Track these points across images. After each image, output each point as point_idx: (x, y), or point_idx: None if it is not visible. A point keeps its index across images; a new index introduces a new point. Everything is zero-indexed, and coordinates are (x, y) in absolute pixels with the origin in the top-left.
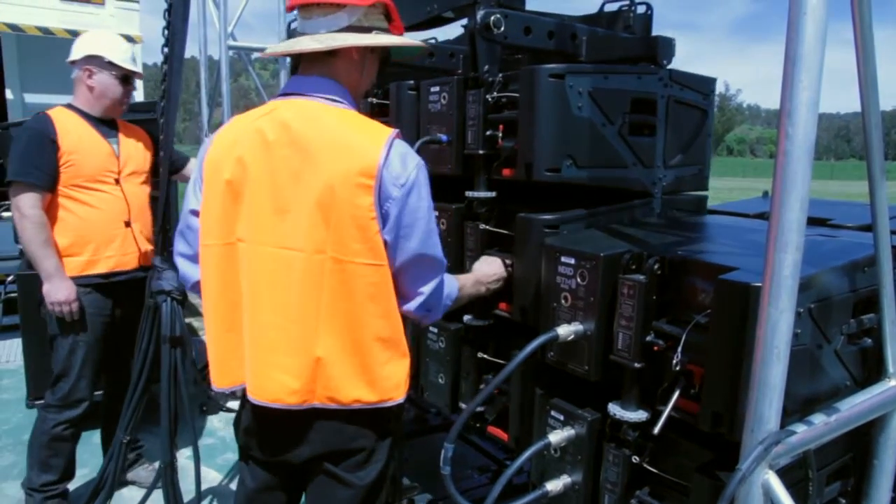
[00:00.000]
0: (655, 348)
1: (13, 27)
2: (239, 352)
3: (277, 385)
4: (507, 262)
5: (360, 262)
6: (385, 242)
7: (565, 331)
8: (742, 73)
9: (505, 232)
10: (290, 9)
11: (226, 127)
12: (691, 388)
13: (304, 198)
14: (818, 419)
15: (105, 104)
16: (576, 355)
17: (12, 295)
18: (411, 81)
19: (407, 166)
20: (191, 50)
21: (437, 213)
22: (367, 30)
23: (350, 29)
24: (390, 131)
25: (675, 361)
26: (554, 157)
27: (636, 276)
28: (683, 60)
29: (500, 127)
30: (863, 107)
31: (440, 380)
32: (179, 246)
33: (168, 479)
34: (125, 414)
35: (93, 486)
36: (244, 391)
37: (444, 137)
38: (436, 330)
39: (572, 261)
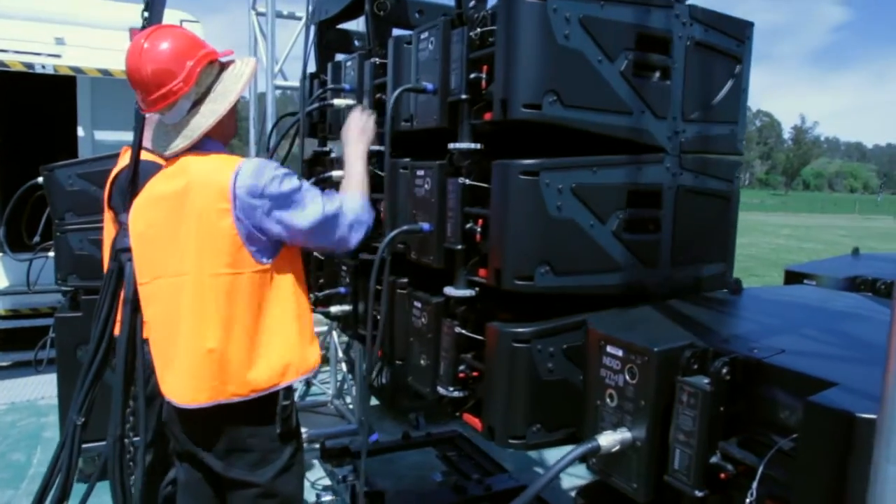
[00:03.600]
0: (723, 475)
1: (76, 70)
2: None
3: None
4: None
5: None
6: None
7: (609, 441)
8: (819, 104)
9: (487, 186)
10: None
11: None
12: None
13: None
14: None
15: None
16: (622, 468)
17: None
18: (409, 33)
19: (263, 175)
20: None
21: (421, 172)
22: (207, 92)
23: (194, 105)
24: (240, 160)
25: (748, 501)
26: (533, 91)
27: (699, 380)
28: (759, 91)
29: (485, 68)
30: None
31: (422, 361)
32: None
33: (117, 453)
34: (78, 392)
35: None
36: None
37: (429, 86)
38: (419, 304)
39: (620, 353)
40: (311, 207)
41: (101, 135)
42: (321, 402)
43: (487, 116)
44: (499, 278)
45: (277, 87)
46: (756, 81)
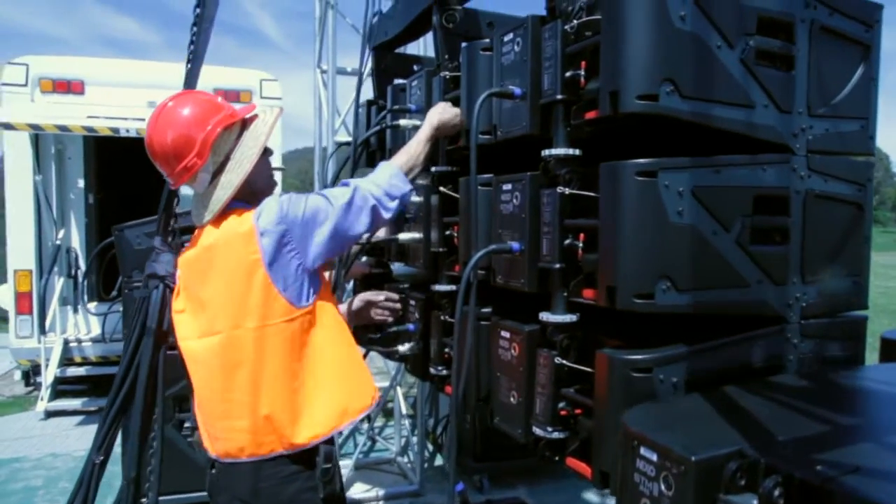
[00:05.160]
0: None
1: None
2: None
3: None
4: None
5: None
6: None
7: None
8: None
9: (592, 194)
10: None
11: None
12: None
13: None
14: None
15: None
16: None
17: None
18: (485, 41)
19: (277, 204)
20: (305, 141)
21: (508, 186)
22: (227, 160)
23: (215, 176)
24: (256, 209)
25: None
26: (649, 80)
27: (746, 501)
28: None
29: (583, 64)
30: None
31: (512, 399)
32: None
33: (130, 497)
34: (101, 428)
35: None
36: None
37: (517, 91)
38: (507, 335)
39: (654, 457)
40: (324, 211)
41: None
42: (385, 458)
43: (591, 115)
44: (613, 297)
45: (338, 143)
46: None
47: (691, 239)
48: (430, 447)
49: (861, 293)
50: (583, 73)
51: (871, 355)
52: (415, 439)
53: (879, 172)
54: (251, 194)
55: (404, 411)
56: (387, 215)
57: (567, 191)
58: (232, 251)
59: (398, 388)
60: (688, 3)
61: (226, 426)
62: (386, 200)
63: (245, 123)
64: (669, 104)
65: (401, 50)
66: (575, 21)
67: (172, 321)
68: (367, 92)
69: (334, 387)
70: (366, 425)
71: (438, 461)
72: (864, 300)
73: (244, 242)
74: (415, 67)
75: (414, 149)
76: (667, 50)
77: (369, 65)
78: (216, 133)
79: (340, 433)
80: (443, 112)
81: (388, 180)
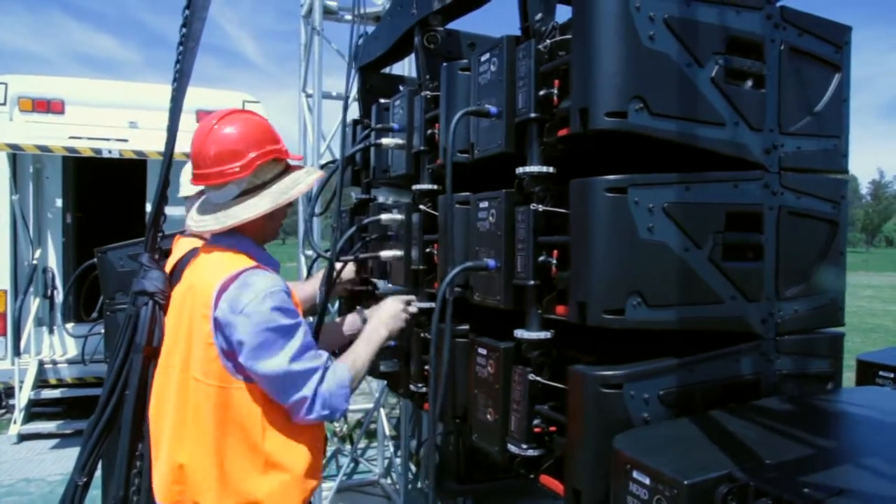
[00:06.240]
0: None
1: (139, 154)
2: None
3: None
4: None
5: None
6: (239, 365)
7: None
8: None
9: (564, 211)
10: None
11: None
12: None
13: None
14: None
15: None
16: None
17: None
18: (463, 61)
19: (245, 295)
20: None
21: (484, 204)
22: (261, 187)
23: (243, 194)
24: (243, 266)
25: None
26: (618, 97)
27: None
28: None
29: (556, 83)
30: None
31: (488, 416)
32: None
33: None
34: (84, 448)
35: None
36: None
37: (492, 109)
38: (484, 352)
39: (647, 480)
40: (280, 355)
41: (170, 210)
42: (369, 480)
43: (563, 133)
44: (583, 313)
45: (321, 165)
46: None
47: (662, 255)
48: (414, 468)
49: (837, 310)
50: (556, 91)
51: (847, 375)
52: (398, 461)
53: (847, 194)
54: (260, 228)
55: (387, 432)
56: (310, 416)
57: (541, 208)
58: (197, 297)
59: (381, 410)
60: (657, 23)
61: (158, 468)
62: (316, 409)
63: (288, 168)
64: (638, 121)
65: (386, 70)
66: (548, 41)
67: (163, 339)
68: (354, 112)
69: (252, 478)
70: (349, 446)
71: (420, 483)
72: (840, 317)
73: (205, 296)
74: (399, 87)
75: (362, 352)
76: (636, 68)
77: (355, 88)
78: (267, 158)
79: None
80: (394, 318)
81: (342, 385)
